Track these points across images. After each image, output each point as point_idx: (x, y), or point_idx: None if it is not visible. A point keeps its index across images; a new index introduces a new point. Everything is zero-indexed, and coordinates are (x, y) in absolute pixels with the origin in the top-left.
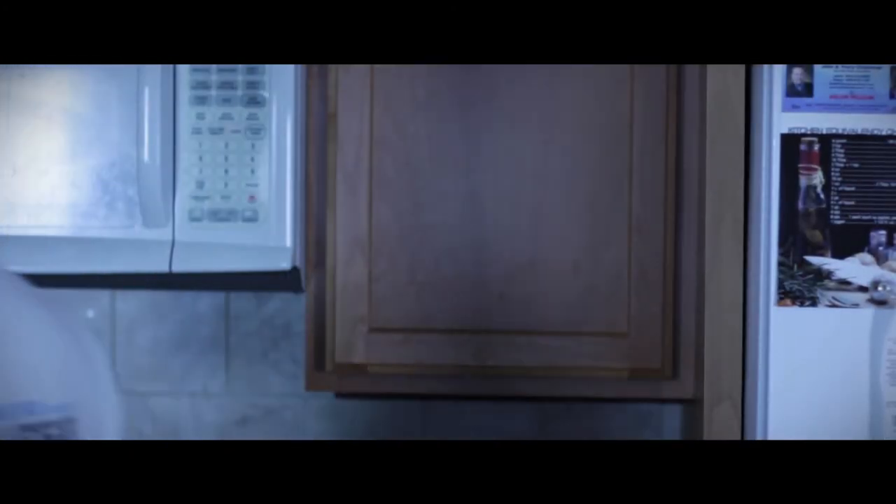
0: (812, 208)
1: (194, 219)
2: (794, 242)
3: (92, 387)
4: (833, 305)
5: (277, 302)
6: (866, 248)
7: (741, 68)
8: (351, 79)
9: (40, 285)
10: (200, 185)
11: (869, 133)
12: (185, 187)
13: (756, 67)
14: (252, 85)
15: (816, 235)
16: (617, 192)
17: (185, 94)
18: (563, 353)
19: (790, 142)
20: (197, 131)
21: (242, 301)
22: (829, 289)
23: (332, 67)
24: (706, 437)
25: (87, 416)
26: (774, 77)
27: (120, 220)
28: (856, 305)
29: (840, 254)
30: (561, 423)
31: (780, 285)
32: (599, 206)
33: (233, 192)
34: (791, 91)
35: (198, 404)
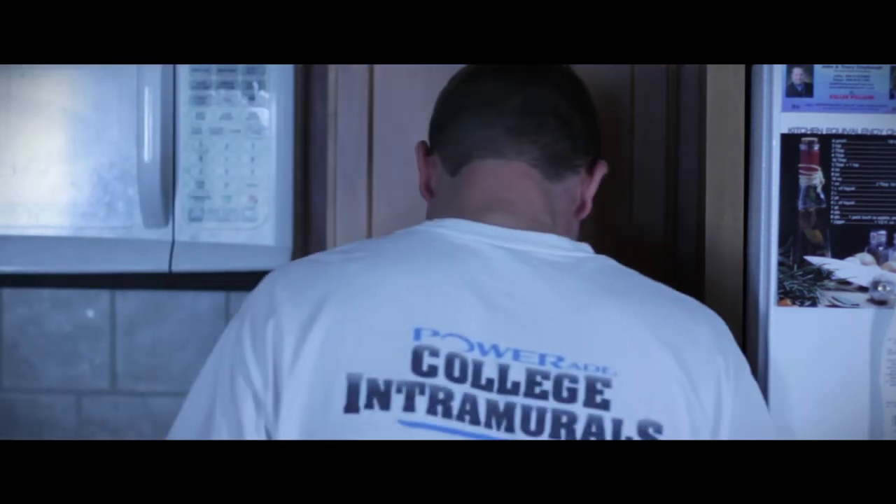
0: (812, 208)
1: (194, 219)
2: (794, 242)
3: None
4: (833, 305)
5: None
6: (866, 248)
7: (741, 68)
8: (351, 79)
9: (40, 285)
10: (200, 185)
11: (869, 133)
12: (185, 187)
13: (756, 67)
14: (252, 85)
15: (816, 235)
16: (617, 192)
17: (185, 94)
18: None
19: (790, 142)
20: (197, 131)
21: (242, 301)
22: (829, 289)
23: (332, 67)
24: None
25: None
26: (774, 77)
27: (120, 220)
28: (856, 305)
29: (840, 254)
30: None
31: (780, 285)
32: (599, 205)
33: (233, 192)
34: (791, 91)
35: None
